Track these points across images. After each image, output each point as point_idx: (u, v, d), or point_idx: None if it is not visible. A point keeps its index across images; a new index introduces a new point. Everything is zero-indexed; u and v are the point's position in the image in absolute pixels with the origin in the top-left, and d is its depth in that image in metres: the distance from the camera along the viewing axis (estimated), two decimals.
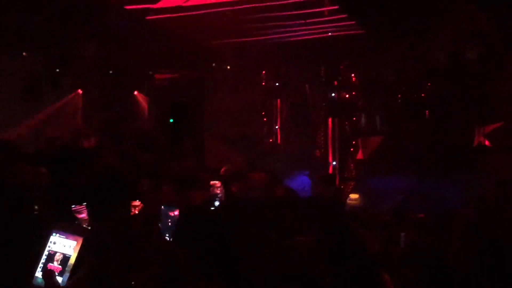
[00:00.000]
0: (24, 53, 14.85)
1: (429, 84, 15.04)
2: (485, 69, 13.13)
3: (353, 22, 13.85)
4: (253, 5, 13.25)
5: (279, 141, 18.34)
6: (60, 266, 2.03)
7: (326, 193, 10.24)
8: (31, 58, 14.80)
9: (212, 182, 6.42)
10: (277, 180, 8.95)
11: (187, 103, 14.28)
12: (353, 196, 12.99)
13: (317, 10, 13.05)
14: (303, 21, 13.66)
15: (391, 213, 10.74)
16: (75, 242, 2.06)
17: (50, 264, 2.04)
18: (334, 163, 16.28)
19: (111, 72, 15.62)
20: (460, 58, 13.59)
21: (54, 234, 2.09)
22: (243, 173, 7.97)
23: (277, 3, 13.04)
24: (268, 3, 13.03)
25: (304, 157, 16.29)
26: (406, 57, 14.34)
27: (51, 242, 2.07)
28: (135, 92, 16.47)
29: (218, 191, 6.42)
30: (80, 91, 16.17)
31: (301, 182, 13.76)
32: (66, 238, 2.07)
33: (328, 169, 15.89)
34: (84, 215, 4.90)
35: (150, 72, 16.07)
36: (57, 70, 14.77)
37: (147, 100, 16.53)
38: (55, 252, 2.06)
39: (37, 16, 12.29)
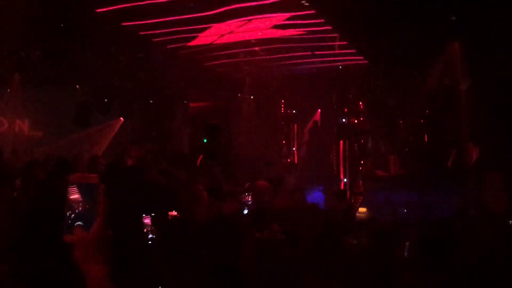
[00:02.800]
0: (77, 86, 15.00)
1: (427, 111, 14.98)
2: (474, 98, 13.06)
3: (361, 57, 13.89)
4: (273, 46, 13.39)
5: (296, 161, 18.32)
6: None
7: (339, 206, 10.23)
8: (83, 90, 14.94)
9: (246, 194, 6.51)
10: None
11: (219, 125, 14.33)
12: (362, 209, 12.91)
13: (329, 44, 13.10)
14: (312, 53, 13.72)
15: (394, 223, 10.68)
16: (93, 188, 1.85)
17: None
18: (345, 180, 16.23)
19: (151, 101, 15.72)
20: (454, 89, 13.57)
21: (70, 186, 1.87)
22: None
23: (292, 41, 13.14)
24: (282, 42, 13.16)
25: (318, 175, 16.23)
26: (407, 87, 14.32)
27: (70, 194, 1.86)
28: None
29: (248, 200, 6.47)
30: (122, 118, 16.28)
31: (316, 197, 13.68)
32: (83, 187, 1.87)
33: (340, 185, 15.83)
34: None
35: (185, 101, 16.12)
36: (105, 100, 14.88)
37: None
38: (78, 202, 1.86)
39: (87, 53, 12.41)
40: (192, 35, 12.63)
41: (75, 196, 1.84)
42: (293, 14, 11.35)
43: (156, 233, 5.55)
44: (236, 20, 11.70)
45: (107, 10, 10.85)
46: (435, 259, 4.50)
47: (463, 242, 5.35)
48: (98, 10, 10.86)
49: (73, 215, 1.83)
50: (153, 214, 5.69)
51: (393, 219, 10.86)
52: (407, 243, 6.57)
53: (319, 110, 17.72)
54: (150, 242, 5.53)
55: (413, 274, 4.61)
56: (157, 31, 12.19)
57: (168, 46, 13.25)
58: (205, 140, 14.02)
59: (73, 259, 1.80)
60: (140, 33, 12.24)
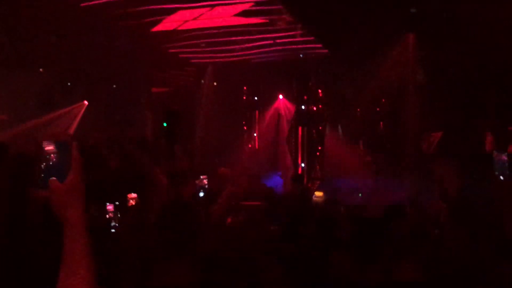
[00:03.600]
0: (40, 69, 14.75)
1: (383, 100, 15.07)
2: (430, 89, 13.20)
3: (319, 45, 13.89)
4: (235, 29, 13.30)
5: (256, 147, 18.30)
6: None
7: (296, 190, 10.20)
8: (46, 73, 14.71)
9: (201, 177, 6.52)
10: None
11: (179, 111, 14.24)
12: (318, 193, 12.93)
13: (290, 33, 13.07)
14: (274, 42, 13.75)
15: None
16: (66, 145, 1.94)
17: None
18: (303, 165, 16.23)
19: (114, 86, 15.50)
20: (411, 80, 13.70)
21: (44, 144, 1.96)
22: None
23: (255, 28, 13.09)
24: (245, 29, 13.11)
25: (277, 160, 16.25)
26: (365, 77, 14.38)
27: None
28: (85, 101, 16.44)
29: (205, 184, 6.47)
30: (86, 102, 16.04)
31: (275, 181, 13.67)
32: (57, 142, 1.96)
33: (297, 170, 15.81)
34: None
35: (148, 87, 15.97)
36: (69, 83, 14.70)
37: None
38: (52, 160, 1.96)
39: (52, 37, 12.19)
40: (156, 18, 12.46)
41: (48, 152, 1.94)
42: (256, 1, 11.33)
43: (119, 221, 5.48)
44: (200, 5, 11.59)
45: None
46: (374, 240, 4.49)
47: (410, 225, 5.35)
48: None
49: (47, 170, 1.94)
50: (117, 203, 5.62)
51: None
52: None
53: (280, 96, 17.71)
54: (113, 230, 5.45)
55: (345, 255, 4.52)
56: (121, 14, 12.02)
57: (133, 30, 13.08)
58: (165, 124, 13.96)
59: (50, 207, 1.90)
60: (104, 15, 12.03)
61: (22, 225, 3.63)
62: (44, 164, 1.94)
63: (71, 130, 15.78)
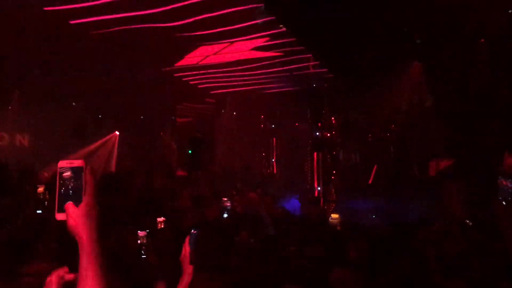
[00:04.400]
0: (73, 103, 14.97)
1: (392, 126, 15.06)
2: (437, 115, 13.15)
3: (332, 75, 13.98)
4: (253, 65, 13.43)
5: (275, 171, 18.33)
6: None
7: (313, 212, 10.25)
8: (78, 107, 14.91)
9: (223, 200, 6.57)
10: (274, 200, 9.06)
11: (202, 139, 14.34)
12: (334, 215, 12.90)
13: (304, 65, 13.19)
14: (290, 74, 13.82)
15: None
16: (80, 171, 1.95)
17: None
18: (319, 188, 16.25)
19: (142, 117, 15.68)
20: (418, 105, 13.70)
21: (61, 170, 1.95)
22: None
23: (271, 62, 13.21)
24: (264, 62, 13.22)
25: (295, 184, 16.25)
26: (375, 104, 14.40)
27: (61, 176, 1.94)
28: (161, 133, 16.58)
29: (228, 205, 6.54)
30: (117, 132, 16.23)
31: (292, 204, 13.68)
32: (72, 167, 1.96)
33: (314, 193, 15.85)
34: None
35: (173, 117, 16.11)
36: (100, 116, 14.86)
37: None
38: (68, 185, 1.94)
39: (82, 73, 12.35)
40: (179, 55, 12.65)
41: (64, 179, 1.92)
42: (271, 37, 11.46)
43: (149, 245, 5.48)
44: (219, 42, 11.74)
45: (100, 33, 10.86)
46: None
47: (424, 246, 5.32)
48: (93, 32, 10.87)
49: (64, 196, 1.92)
50: (147, 231, 5.64)
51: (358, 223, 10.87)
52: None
53: (297, 124, 17.76)
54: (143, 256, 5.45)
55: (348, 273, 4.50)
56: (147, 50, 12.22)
57: (157, 66, 13.27)
58: (190, 151, 14.07)
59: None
60: (131, 53, 12.27)
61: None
62: (63, 189, 1.93)
63: (113, 159, 15.93)
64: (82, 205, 1.92)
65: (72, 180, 1.93)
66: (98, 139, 15.64)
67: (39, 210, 6.30)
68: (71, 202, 1.91)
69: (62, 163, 1.95)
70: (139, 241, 5.44)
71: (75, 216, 1.91)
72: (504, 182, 6.45)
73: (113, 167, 14.67)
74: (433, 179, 13.42)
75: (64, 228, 1.92)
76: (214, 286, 3.11)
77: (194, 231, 3.82)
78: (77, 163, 1.95)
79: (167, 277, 3.94)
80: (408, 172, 13.92)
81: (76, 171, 1.93)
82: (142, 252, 5.19)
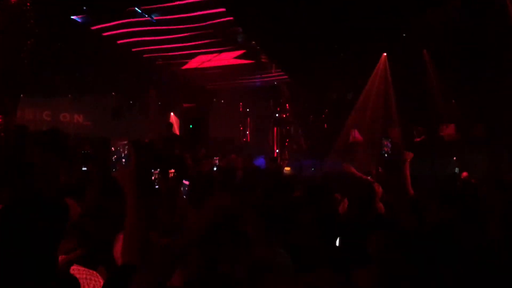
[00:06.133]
0: (113, 93, 14.70)
1: (326, 110, 15.07)
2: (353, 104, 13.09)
3: (286, 76, 13.93)
4: (234, 70, 13.32)
5: (248, 140, 18.35)
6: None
7: (273, 166, 10.26)
8: (117, 96, 14.67)
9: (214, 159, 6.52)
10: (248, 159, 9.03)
11: (200, 118, 14.23)
12: (287, 168, 12.96)
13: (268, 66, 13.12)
14: (259, 75, 13.76)
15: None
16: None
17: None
18: (277, 151, 16.33)
19: (159, 103, 15.46)
20: (343, 97, 13.71)
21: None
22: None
23: (247, 66, 13.09)
24: (240, 67, 13.11)
25: (262, 148, 16.30)
26: (315, 96, 14.39)
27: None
28: (171, 113, 16.36)
29: (217, 162, 6.48)
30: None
31: (260, 161, 13.69)
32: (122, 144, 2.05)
33: (274, 154, 15.91)
34: None
35: (181, 103, 15.92)
36: (131, 102, 14.63)
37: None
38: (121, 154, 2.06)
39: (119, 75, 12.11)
40: (184, 61, 12.48)
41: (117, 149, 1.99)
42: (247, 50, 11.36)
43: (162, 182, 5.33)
44: (212, 52, 11.61)
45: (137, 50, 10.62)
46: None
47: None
48: (134, 50, 10.65)
49: (118, 160, 2.01)
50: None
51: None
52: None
53: (264, 109, 17.73)
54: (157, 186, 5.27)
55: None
56: (164, 58, 12.04)
57: (172, 69, 13.08)
58: (190, 126, 13.95)
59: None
60: (157, 63, 12.16)
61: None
62: (115, 156, 2.05)
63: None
64: (127, 166, 2.03)
65: (122, 151, 2.06)
66: (129, 118, 15.37)
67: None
68: (121, 164, 2.03)
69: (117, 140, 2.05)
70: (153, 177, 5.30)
71: (122, 173, 2.00)
72: (385, 142, 6.49)
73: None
74: (350, 146, 13.39)
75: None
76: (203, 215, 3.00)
77: (186, 181, 3.73)
78: (125, 140, 2.08)
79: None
80: (333, 142, 13.88)
81: (124, 145, 2.06)
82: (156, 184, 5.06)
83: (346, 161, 5.78)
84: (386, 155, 6.24)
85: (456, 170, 10.52)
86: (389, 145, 6.34)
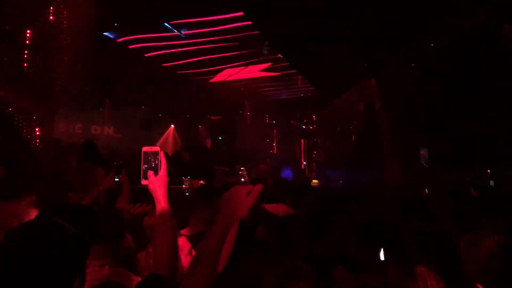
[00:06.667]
0: (142, 106, 15.01)
1: (354, 122, 14.95)
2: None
3: (313, 88, 13.92)
4: (261, 82, 13.40)
5: (275, 152, 18.34)
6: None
7: (300, 178, 10.23)
8: (146, 109, 14.96)
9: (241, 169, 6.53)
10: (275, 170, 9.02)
11: (227, 129, 14.35)
12: (314, 181, 12.87)
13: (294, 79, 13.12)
14: (284, 87, 13.79)
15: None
16: (157, 154, 2.01)
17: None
18: (305, 162, 16.26)
19: (187, 116, 15.68)
20: (372, 108, 13.56)
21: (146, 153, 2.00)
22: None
23: (273, 79, 13.15)
24: (267, 79, 13.18)
25: (289, 160, 16.26)
26: (342, 107, 14.31)
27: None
28: (199, 126, 16.57)
29: (245, 173, 6.49)
30: (172, 125, 16.24)
31: (287, 173, 13.65)
32: (152, 151, 2.01)
33: (301, 166, 15.85)
34: None
35: (208, 116, 16.10)
36: (160, 115, 14.89)
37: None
38: (150, 162, 1.99)
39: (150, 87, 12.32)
40: (211, 76, 12.65)
41: (147, 158, 2.00)
42: (273, 62, 11.42)
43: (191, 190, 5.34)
44: (239, 65, 11.73)
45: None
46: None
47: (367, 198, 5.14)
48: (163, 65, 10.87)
49: (147, 169, 1.98)
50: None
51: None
52: None
53: (291, 121, 17.72)
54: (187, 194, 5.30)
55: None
56: (192, 72, 12.23)
57: (199, 82, 13.27)
58: (219, 138, 14.08)
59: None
60: (180, 72, 12.29)
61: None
62: (146, 165, 1.98)
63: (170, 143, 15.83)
64: (159, 175, 1.99)
65: (152, 159, 1.98)
66: (159, 130, 15.64)
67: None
68: (152, 171, 1.98)
69: (145, 148, 2.01)
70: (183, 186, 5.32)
71: (153, 181, 1.97)
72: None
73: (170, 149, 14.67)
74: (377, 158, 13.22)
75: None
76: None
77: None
78: (155, 148, 2.00)
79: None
80: (362, 154, 13.73)
81: (154, 153, 1.99)
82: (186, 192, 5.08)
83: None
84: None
85: None
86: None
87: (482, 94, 9.82)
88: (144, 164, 1.98)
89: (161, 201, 1.97)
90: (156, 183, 1.98)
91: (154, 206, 2.03)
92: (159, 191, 1.98)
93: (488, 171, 11.32)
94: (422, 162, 5.95)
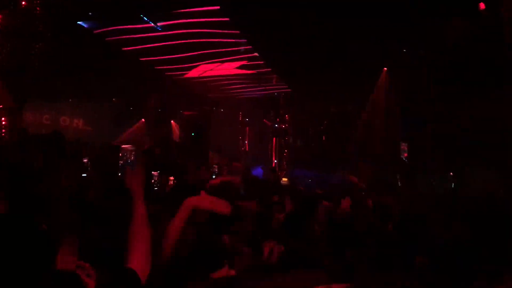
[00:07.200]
0: (113, 99, 14.74)
1: (325, 121, 15.16)
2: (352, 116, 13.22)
3: (286, 86, 14.01)
4: (236, 80, 13.38)
5: (247, 150, 18.33)
6: None
7: (271, 177, 10.27)
8: (117, 103, 14.70)
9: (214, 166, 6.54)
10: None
11: (201, 125, 14.26)
12: (284, 179, 12.96)
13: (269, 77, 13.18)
14: (258, 85, 13.83)
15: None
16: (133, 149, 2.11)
17: None
18: (275, 161, 16.33)
19: (159, 110, 15.45)
20: (342, 109, 13.81)
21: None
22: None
23: (248, 77, 13.15)
24: (242, 77, 13.18)
25: (260, 158, 16.31)
26: (314, 109, 14.50)
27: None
28: (172, 121, 16.34)
29: (215, 170, 6.51)
30: (143, 119, 16.00)
31: (258, 171, 13.71)
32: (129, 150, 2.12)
33: (272, 164, 15.91)
34: None
35: (181, 111, 15.94)
36: (131, 108, 14.65)
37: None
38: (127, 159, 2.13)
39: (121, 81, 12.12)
40: (186, 71, 12.53)
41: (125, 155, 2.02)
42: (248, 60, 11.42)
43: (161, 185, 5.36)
44: (214, 62, 11.67)
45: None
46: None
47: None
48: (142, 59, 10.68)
49: (126, 164, 2.08)
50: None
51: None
52: None
53: (264, 120, 17.74)
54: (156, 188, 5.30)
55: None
56: (167, 67, 12.09)
57: (174, 77, 13.12)
58: (192, 134, 13.96)
59: None
60: (155, 67, 12.10)
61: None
62: (121, 161, 2.10)
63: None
64: (134, 169, 2.08)
65: (132, 156, 2.12)
66: (129, 124, 15.37)
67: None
68: (128, 167, 2.11)
69: (125, 146, 2.12)
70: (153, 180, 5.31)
71: (129, 175, 2.05)
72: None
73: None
74: (347, 158, 13.50)
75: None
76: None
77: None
78: (130, 147, 2.13)
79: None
80: (331, 153, 13.98)
81: (130, 150, 2.10)
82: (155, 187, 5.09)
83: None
84: None
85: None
86: None
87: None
88: (123, 159, 2.10)
89: (135, 193, 1.97)
90: (132, 176, 2.01)
91: None
92: (134, 183, 2.00)
93: (451, 173, 11.67)
94: (401, 157, 6.09)
